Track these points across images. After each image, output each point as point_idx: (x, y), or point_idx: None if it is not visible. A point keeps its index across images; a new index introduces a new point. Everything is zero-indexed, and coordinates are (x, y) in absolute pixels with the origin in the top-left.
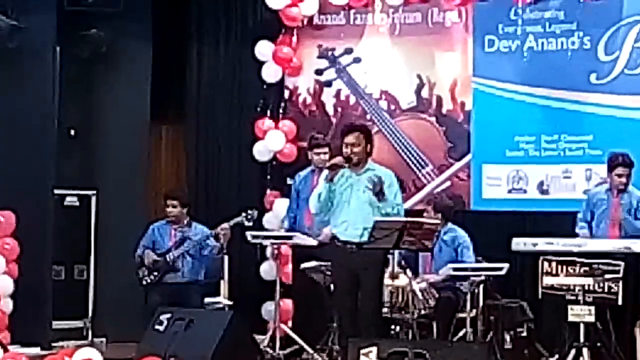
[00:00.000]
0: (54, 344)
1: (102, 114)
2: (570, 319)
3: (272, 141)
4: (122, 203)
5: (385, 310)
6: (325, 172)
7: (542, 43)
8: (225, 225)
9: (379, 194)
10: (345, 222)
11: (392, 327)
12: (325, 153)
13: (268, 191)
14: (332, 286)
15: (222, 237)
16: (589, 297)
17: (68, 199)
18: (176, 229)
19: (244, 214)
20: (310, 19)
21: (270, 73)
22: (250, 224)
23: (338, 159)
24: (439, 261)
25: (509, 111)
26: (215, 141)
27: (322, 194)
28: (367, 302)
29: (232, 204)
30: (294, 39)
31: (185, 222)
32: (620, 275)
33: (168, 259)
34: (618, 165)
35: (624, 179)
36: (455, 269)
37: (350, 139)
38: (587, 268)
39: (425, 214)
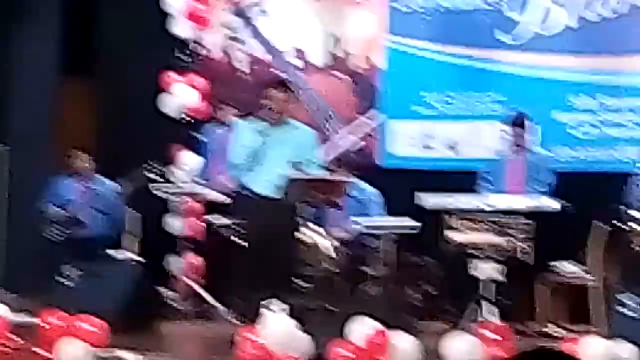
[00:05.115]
0: None
1: (9, 67)
2: (476, 275)
3: (182, 96)
4: (32, 157)
5: (294, 265)
6: (241, 125)
7: (453, 0)
8: (127, 181)
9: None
10: (260, 177)
11: (301, 283)
12: (233, 108)
13: (176, 146)
14: (241, 241)
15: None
16: (495, 255)
17: None
18: (81, 183)
19: (148, 167)
20: None
21: (180, 28)
22: (157, 177)
23: (258, 112)
24: (348, 217)
25: (420, 69)
26: (124, 95)
27: (237, 147)
28: (276, 258)
29: (140, 158)
30: None
31: (91, 175)
32: (528, 233)
33: (73, 214)
34: (510, 125)
35: (514, 139)
36: (364, 226)
37: (271, 92)
38: (494, 225)
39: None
